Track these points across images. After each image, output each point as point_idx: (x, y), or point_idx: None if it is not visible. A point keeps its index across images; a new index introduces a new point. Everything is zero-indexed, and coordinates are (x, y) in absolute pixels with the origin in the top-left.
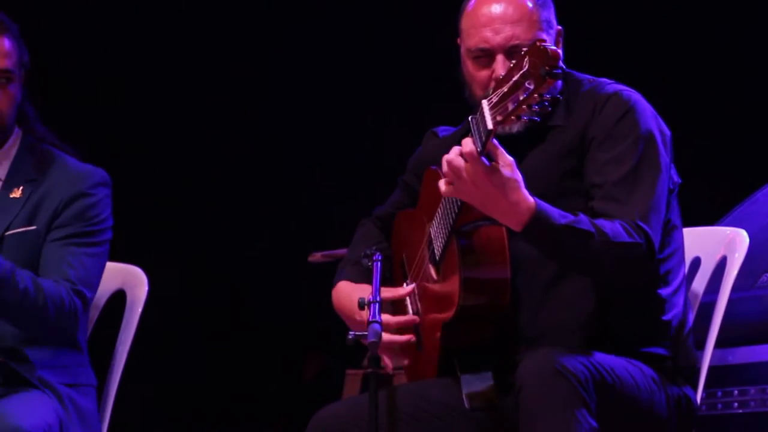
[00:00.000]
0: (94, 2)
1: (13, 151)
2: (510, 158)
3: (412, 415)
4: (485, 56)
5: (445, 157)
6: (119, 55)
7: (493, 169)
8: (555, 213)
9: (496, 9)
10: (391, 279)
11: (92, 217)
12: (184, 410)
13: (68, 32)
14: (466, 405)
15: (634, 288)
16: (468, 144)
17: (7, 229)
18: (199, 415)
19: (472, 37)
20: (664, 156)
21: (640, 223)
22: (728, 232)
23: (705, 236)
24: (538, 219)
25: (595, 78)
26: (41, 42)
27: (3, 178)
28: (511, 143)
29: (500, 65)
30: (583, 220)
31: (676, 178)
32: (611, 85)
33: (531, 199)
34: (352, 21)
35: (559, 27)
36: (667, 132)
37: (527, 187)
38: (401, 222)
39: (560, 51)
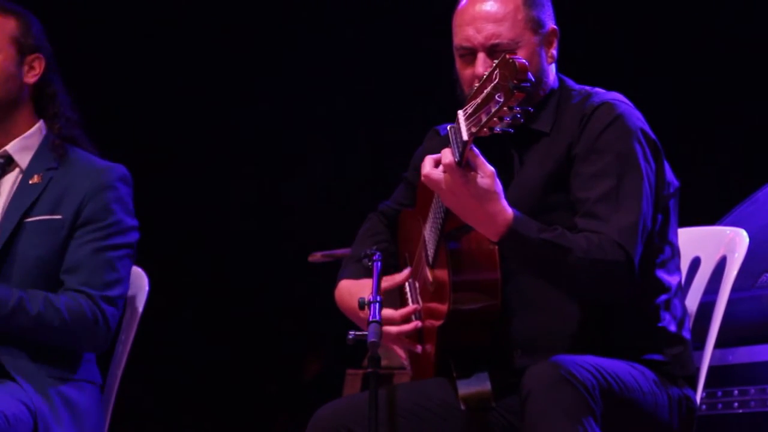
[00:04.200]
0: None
1: (36, 143)
2: (491, 169)
3: (412, 413)
4: (469, 54)
5: (423, 172)
6: (120, 56)
7: (472, 180)
8: (533, 227)
9: (481, 7)
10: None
11: (114, 211)
12: (184, 410)
13: (67, 28)
14: (462, 406)
15: (615, 303)
16: (447, 155)
17: (26, 215)
18: (199, 414)
19: (457, 35)
20: (647, 168)
21: (620, 241)
22: (728, 232)
23: (705, 236)
24: (514, 231)
25: (588, 90)
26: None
27: (24, 167)
28: (495, 141)
29: (480, 63)
30: (561, 236)
31: (674, 182)
32: (599, 96)
33: (509, 211)
34: (353, 19)
35: (554, 27)
36: (654, 140)
37: (514, 201)
38: (404, 220)
39: (527, 63)
